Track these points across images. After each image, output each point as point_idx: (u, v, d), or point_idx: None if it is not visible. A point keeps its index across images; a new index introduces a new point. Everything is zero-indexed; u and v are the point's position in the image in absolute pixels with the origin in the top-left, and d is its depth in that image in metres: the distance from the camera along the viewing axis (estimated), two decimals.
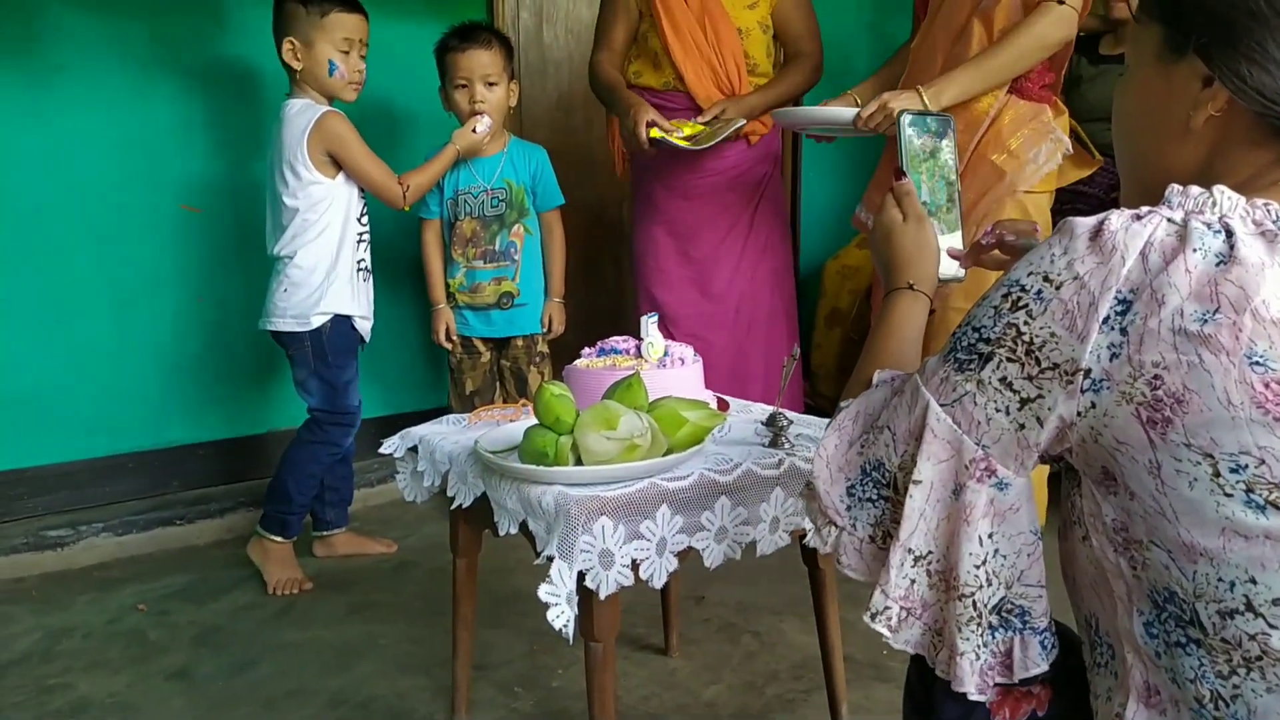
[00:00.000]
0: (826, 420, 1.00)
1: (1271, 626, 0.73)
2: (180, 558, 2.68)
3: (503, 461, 1.45)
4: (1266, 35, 0.79)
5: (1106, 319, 0.75)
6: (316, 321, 2.42)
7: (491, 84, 2.62)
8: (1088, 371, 0.76)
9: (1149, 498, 0.75)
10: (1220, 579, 0.74)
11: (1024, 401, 0.80)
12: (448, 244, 2.76)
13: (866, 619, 0.88)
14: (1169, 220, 0.76)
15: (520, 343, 2.79)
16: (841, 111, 2.27)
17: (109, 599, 2.42)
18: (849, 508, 0.92)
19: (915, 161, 1.21)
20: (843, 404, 0.97)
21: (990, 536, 0.83)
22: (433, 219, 2.76)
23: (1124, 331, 0.75)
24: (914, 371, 0.90)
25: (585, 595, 1.34)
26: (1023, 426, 0.80)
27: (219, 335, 2.91)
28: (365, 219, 2.51)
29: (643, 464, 1.37)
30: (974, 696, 0.85)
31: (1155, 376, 0.73)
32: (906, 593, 0.87)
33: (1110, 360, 0.75)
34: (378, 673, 2.04)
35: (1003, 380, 0.80)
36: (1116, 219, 0.77)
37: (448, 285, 2.77)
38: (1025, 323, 0.79)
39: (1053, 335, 0.78)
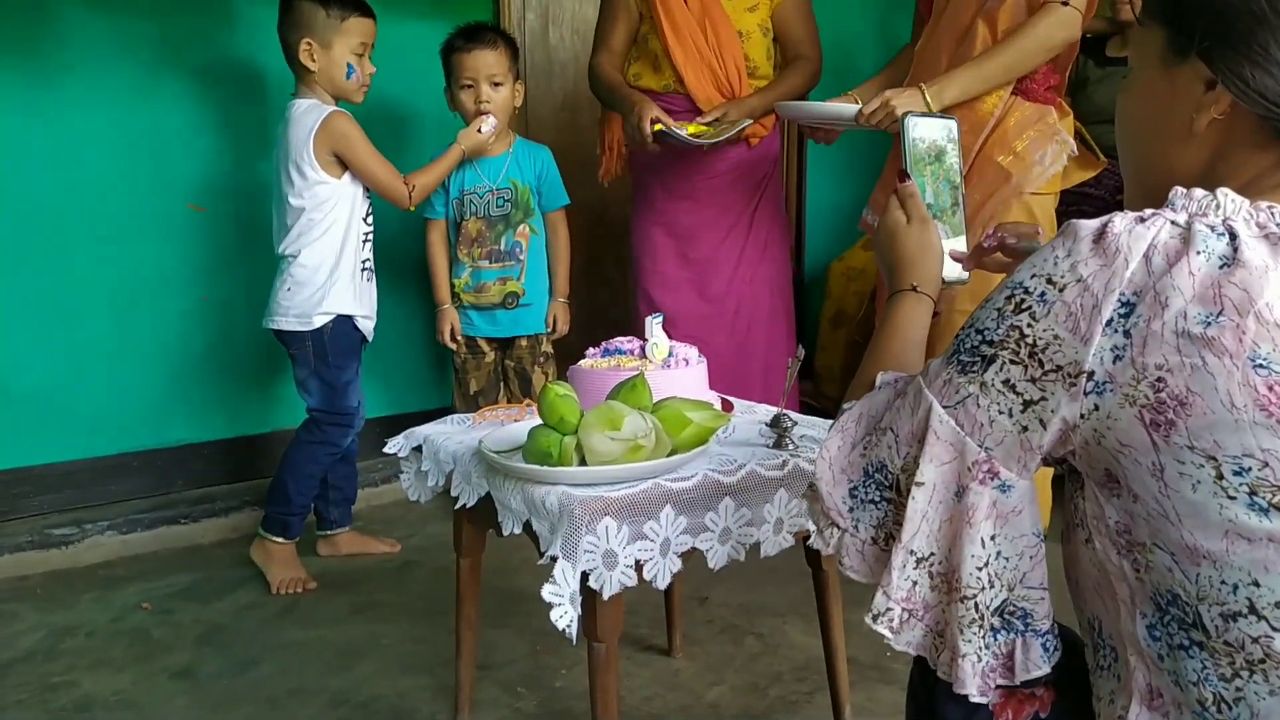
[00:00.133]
0: (830, 421, 1.00)
1: (1274, 629, 0.73)
2: (184, 557, 2.68)
3: (507, 461, 1.45)
4: (1269, 38, 0.79)
5: (1110, 321, 0.75)
6: (319, 321, 2.42)
7: (497, 84, 2.62)
8: (1091, 374, 0.76)
9: (1152, 500, 0.75)
10: (1223, 582, 0.73)
11: (1027, 404, 0.79)
12: (453, 244, 2.76)
13: (868, 620, 0.87)
14: (1172, 223, 0.76)
15: (525, 343, 2.80)
16: (844, 107, 2.27)
17: (113, 597, 2.43)
18: (851, 509, 0.92)
19: (919, 164, 1.21)
20: (846, 405, 0.97)
21: (993, 538, 0.83)
22: (438, 219, 2.76)
23: (1127, 334, 0.75)
24: (917, 373, 0.90)
25: (589, 595, 1.34)
26: (1025, 429, 0.80)
27: (224, 335, 2.92)
28: (370, 219, 2.51)
29: (647, 464, 1.37)
30: (976, 698, 0.85)
31: (1158, 379, 0.73)
32: (908, 594, 0.86)
33: (1113, 362, 0.75)
34: (381, 672, 2.04)
35: (1006, 382, 0.80)
36: (1120, 221, 0.77)
37: (453, 285, 2.77)
38: (1028, 325, 0.79)
39: (1056, 337, 0.78)
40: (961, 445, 0.83)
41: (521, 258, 2.73)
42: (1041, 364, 0.78)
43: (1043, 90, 2.25)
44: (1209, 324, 0.72)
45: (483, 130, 2.59)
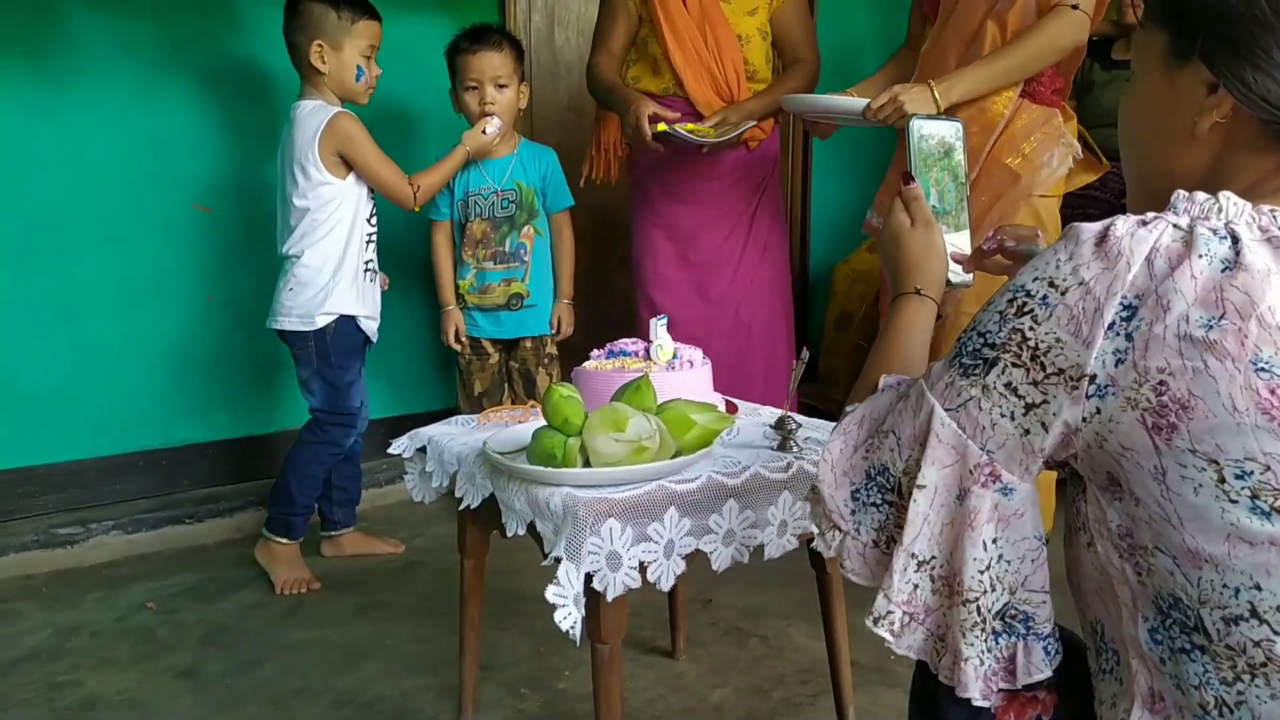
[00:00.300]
0: (834, 424, 1.00)
1: (1276, 633, 0.73)
2: (189, 556, 2.69)
3: (511, 463, 1.45)
4: (1271, 42, 0.79)
5: (1112, 325, 0.75)
6: (321, 321, 2.43)
7: (502, 86, 2.62)
8: (1093, 377, 0.76)
9: (1154, 503, 0.75)
10: (1225, 585, 0.73)
11: (1029, 407, 0.79)
12: (458, 245, 2.76)
13: (869, 623, 0.87)
14: (1174, 226, 0.76)
15: (529, 344, 2.80)
16: (852, 101, 2.28)
17: (118, 597, 2.43)
18: (853, 512, 0.92)
19: (924, 166, 1.21)
20: (848, 408, 0.97)
21: (994, 542, 0.83)
22: (443, 220, 2.76)
23: (1129, 337, 0.75)
24: (919, 376, 0.90)
25: (592, 597, 1.34)
26: (1027, 432, 0.80)
27: (228, 335, 2.92)
28: (374, 220, 2.52)
29: (651, 466, 1.37)
30: (978, 702, 0.84)
31: (1160, 382, 0.73)
32: (909, 598, 0.86)
33: (1115, 366, 0.75)
34: (384, 673, 2.05)
35: (1008, 385, 0.80)
36: (1122, 225, 0.77)
37: (457, 286, 2.77)
38: (1030, 328, 0.79)
39: (1058, 341, 0.77)
40: (963, 448, 0.83)
41: (526, 259, 2.74)
42: (1043, 367, 0.78)
43: (1048, 93, 2.26)
44: (1211, 327, 0.72)
45: (487, 132, 2.59)
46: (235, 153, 2.87)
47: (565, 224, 2.79)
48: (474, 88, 2.62)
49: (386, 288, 2.63)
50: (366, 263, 2.50)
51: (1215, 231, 0.75)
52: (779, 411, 1.67)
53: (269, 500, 2.53)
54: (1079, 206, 2.78)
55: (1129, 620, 0.80)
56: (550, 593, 1.28)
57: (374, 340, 2.55)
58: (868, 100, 2.21)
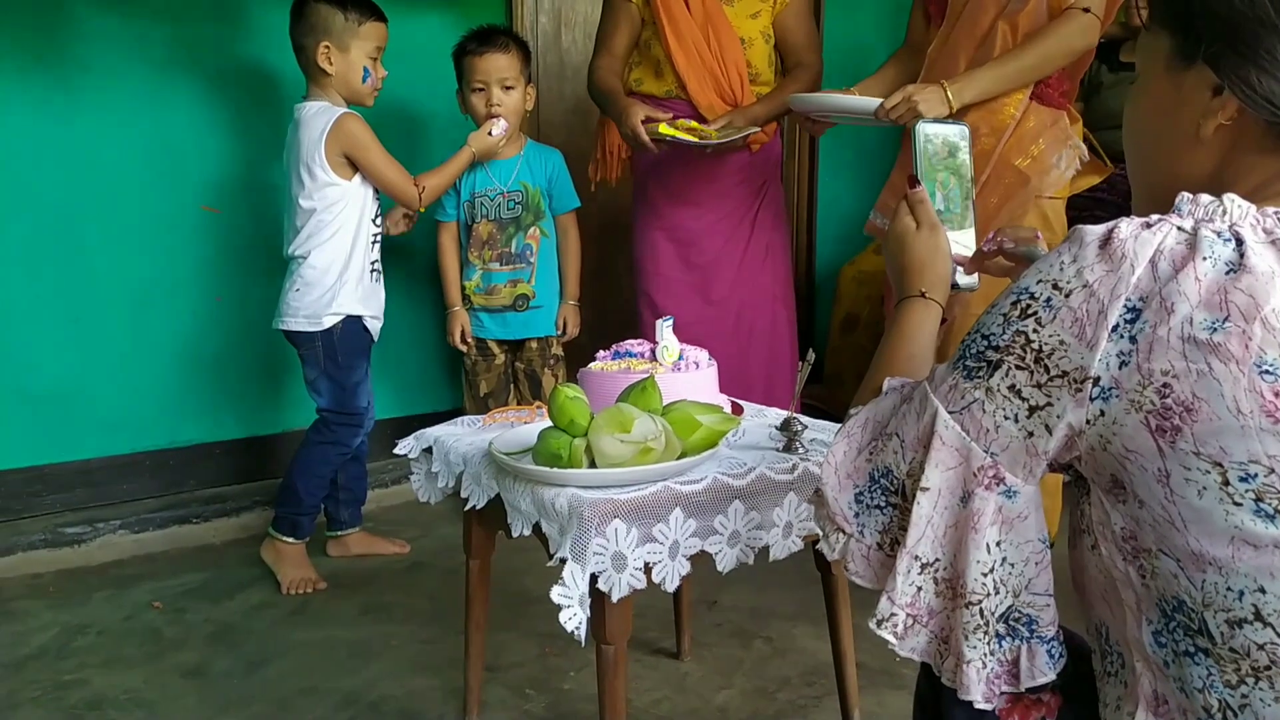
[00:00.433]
0: (839, 426, 1.00)
1: None
2: (196, 556, 2.69)
3: (517, 463, 1.45)
4: (1276, 43, 0.78)
5: (1116, 327, 0.75)
6: (328, 322, 2.43)
7: (508, 88, 2.63)
8: (1096, 379, 0.76)
9: (1158, 506, 0.75)
10: (1229, 588, 0.73)
11: (1033, 409, 0.79)
12: (464, 246, 2.77)
13: (872, 626, 0.87)
14: (1179, 228, 0.76)
15: (535, 345, 2.80)
16: (864, 101, 2.27)
17: (125, 596, 2.44)
18: (857, 514, 0.91)
19: (930, 169, 1.21)
20: (852, 411, 0.97)
21: (998, 544, 0.83)
22: (449, 222, 2.77)
23: (1133, 339, 0.75)
24: (924, 379, 0.89)
25: (597, 598, 1.34)
26: (1031, 434, 0.80)
27: (236, 335, 2.93)
28: (379, 220, 2.53)
29: (656, 467, 1.37)
30: (980, 705, 0.84)
31: (1164, 385, 0.73)
32: (913, 600, 0.86)
33: (1119, 368, 0.75)
34: (390, 673, 2.05)
35: (1011, 388, 0.80)
36: (1126, 227, 0.77)
37: (463, 287, 2.78)
38: (1034, 330, 0.79)
39: (1062, 343, 0.77)
40: (967, 451, 0.83)
41: (532, 260, 2.74)
42: (1047, 369, 0.78)
43: (1056, 95, 2.26)
44: (1215, 330, 0.72)
45: (493, 133, 2.60)
46: (244, 154, 2.88)
47: (571, 225, 2.79)
48: (480, 89, 2.63)
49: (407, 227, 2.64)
50: (372, 263, 2.51)
51: (1219, 234, 0.75)
52: (784, 413, 1.67)
53: (276, 500, 2.54)
54: (1087, 209, 2.78)
55: (1133, 623, 0.80)
56: (555, 593, 1.28)
57: (376, 338, 2.55)
58: (880, 100, 2.21)
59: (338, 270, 2.43)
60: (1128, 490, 0.77)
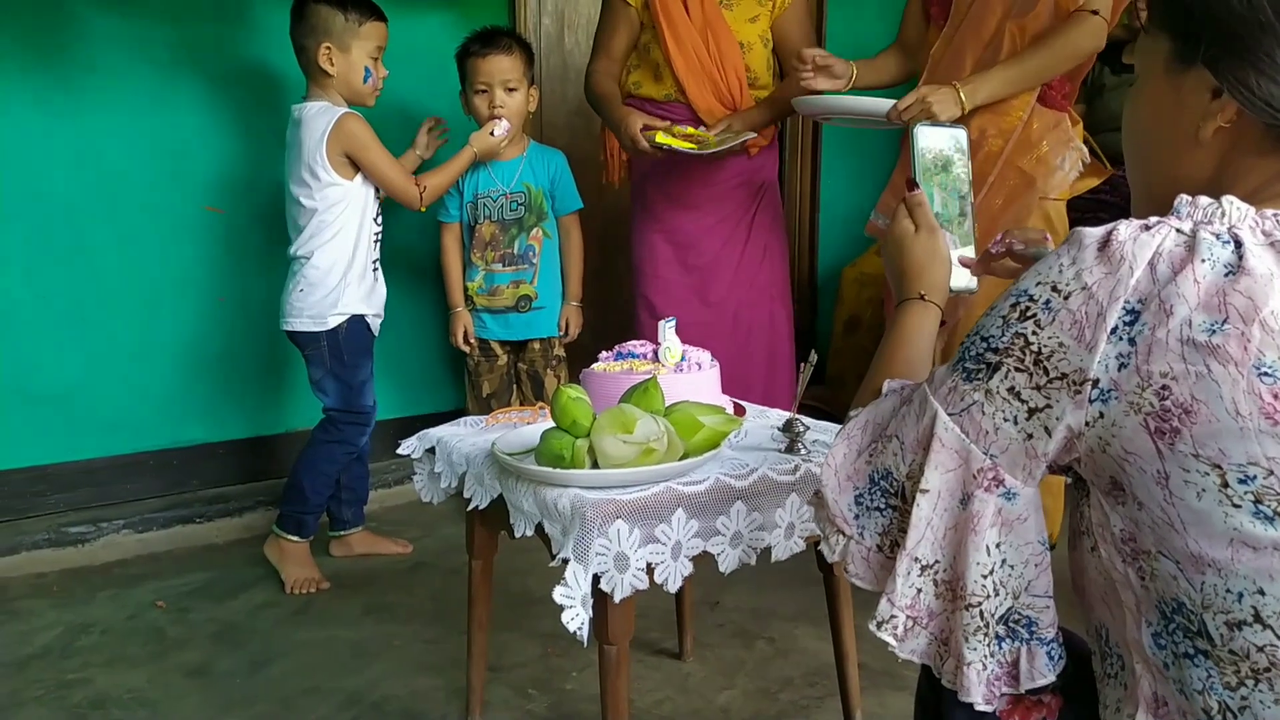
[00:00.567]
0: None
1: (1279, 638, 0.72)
2: (199, 556, 2.70)
3: (519, 464, 1.45)
4: (1275, 46, 0.78)
5: (1114, 329, 0.75)
6: (333, 321, 2.44)
7: (511, 89, 2.63)
8: (1095, 381, 0.76)
9: (1157, 508, 0.75)
10: (1228, 590, 0.73)
11: (1032, 411, 0.80)
12: (467, 247, 2.77)
13: (872, 628, 0.88)
14: (1177, 230, 0.76)
15: (537, 346, 2.81)
16: (875, 103, 2.27)
17: (129, 595, 2.45)
18: (857, 516, 0.92)
19: (928, 173, 1.21)
20: (852, 413, 0.97)
21: (998, 546, 0.83)
22: (452, 223, 2.77)
23: (1132, 342, 0.75)
24: (923, 381, 0.90)
25: (600, 598, 1.34)
26: (1030, 436, 0.80)
27: (240, 335, 2.94)
28: (380, 219, 2.53)
29: (659, 468, 1.37)
30: (981, 707, 0.84)
31: (1163, 387, 0.73)
32: (913, 602, 0.86)
33: (1118, 370, 0.75)
34: (393, 673, 2.05)
35: (1011, 390, 0.80)
36: (1125, 229, 0.77)
37: (466, 288, 2.78)
38: (1033, 332, 0.79)
39: (1061, 345, 0.78)
40: (966, 452, 0.83)
41: (534, 261, 2.74)
42: (1046, 371, 0.78)
43: (1058, 98, 2.27)
44: (1214, 332, 0.72)
45: (495, 134, 2.60)
46: (247, 154, 2.89)
47: (574, 226, 2.79)
48: (483, 91, 2.63)
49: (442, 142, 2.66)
50: (374, 261, 2.51)
51: (1218, 236, 0.75)
52: (787, 414, 1.67)
53: (281, 498, 2.54)
54: (1090, 210, 2.78)
55: (1132, 625, 0.80)
56: (558, 594, 1.28)
57: (376, 334, 2.56)
58: (892, 102, 2.22)
59: (341, 270, 2.43)
60: (1127, 492, 0.77)
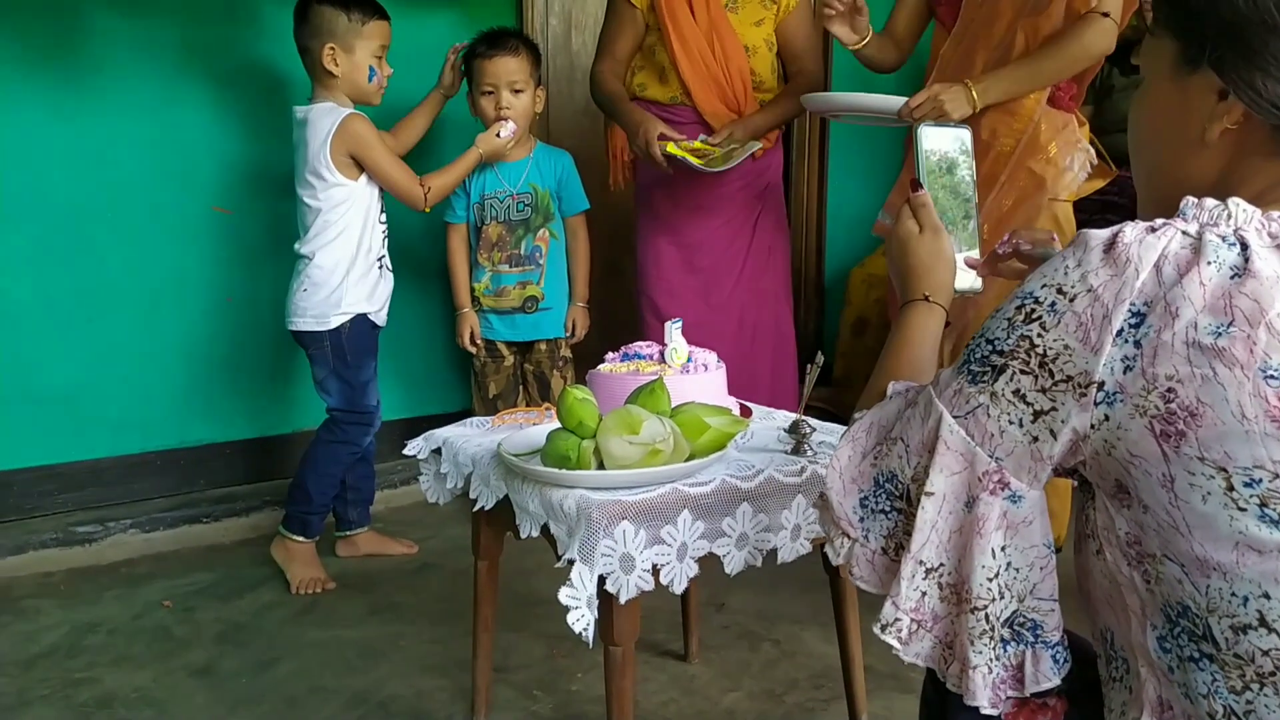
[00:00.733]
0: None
1: None
2: (206, 555, 2.70)
3: (525, 464, 1.45)
4: None
5: (1120, 331, 0.75)
6: (336, 321, 2.44)
7: (518, 90, 2.63)
8: (1101, 384, 0.76)
9: (1162, 511, 0.75)
10: (1233, 594, 0.73)
11: (1037, 414, 0.79)
12: (473, 248, 2.77)
13: (877, 631, 0.87)
14: (1183, 233, 0.76)
15: (544, 347, 2.81)
16: (886, 100, 2.27)
17: (135, 595, 2.45)
18: (861, 519, 0.91)
19: (933, 173, 1.21)
20: (857, 415, 0.97)
21: (1003, 549, 0.83)
22: (458, 223, 2.77)
23: (1137, 344, 0.74)
24: (928, 383, 0.89)
25: (605, 599, 1.35)
26: (1036, 439, 0.80)
27: (247, 335, 2.94)
28: (384, 216, 2.53)
29: (665, 469, 1.37)
30: (986, 710, 0.84)
31: (1169, 389, 0.73)
32: (917, 605, 0.86)
33: (1123, 373, 0.75)
34: (398, 673, 2.05)
35: (1016, 392, 0.80)
36: (1130, 231, 0.77)
37: (473, 289, 2.78)
38: (1039, 335, 0.79)
39: (1066, 348, 0.77)
40: (972, 455, 0.83)
41: (541, 262, 2.74)
42: (1052, 374, 0.78)
43: (1066, 99, 2.27)
44: (1220, 335, 0.72)
45: (501, 135, 2.60)
46: (255, 155, 2.89)
47: (580, 227, 2.79)
48: (490, 92, 2.63)
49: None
50: (379, 258, 2.51)
51: (1224, 238, 0.75)
52: (793, 415, 1.67)
53: (287, 499, 2.55)
54: (1097, 212, 2.77)
55: (1138, 628, 0.79)
56: (563, 595, 1.28)
57: (383, 326, 2.56)
58: (903, 99, 2.21)
59: (344, 270, 2.43)
60: (1132, 495, 0.77)
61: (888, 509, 0.90)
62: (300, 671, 2.07)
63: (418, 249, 3.03)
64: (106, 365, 2.77)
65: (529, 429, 1.66)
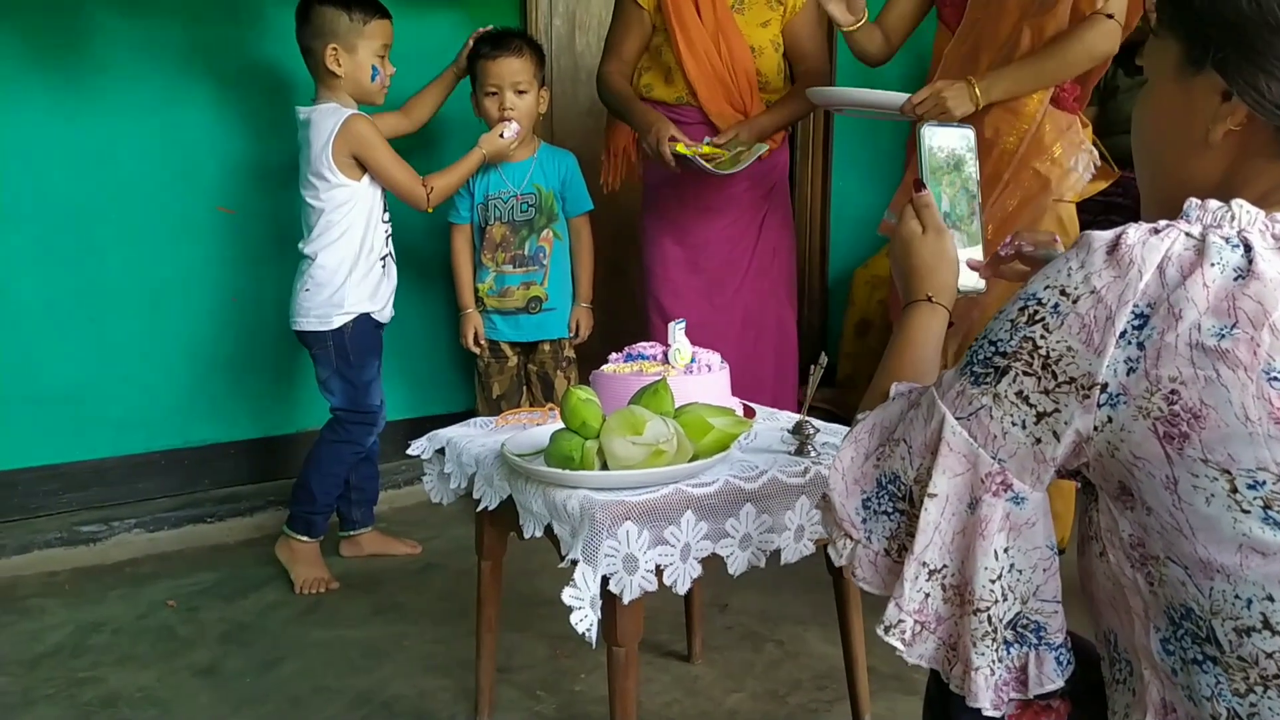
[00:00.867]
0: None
1: None
2: (209, 555, 2.71)
3: (529, 465, 1.46)
4: None
5: (1123, 333, 0.75)
6: (339, 321, 2.45)
7: (521, 91, 2.63)
8: (1104, 386, 0.76)
9: (1166, 513, 0.75)
10: (1237, 596, 0.73)
11: (1040, 415, 0.79)
12: (477, 249, 2.78)
13: (880, 632, 0.87)
14: (1187, 234, 0.76)
15: (547, 347, 2.81)
16: (889, 96, 2.27)
17: (139, 595, 2.46)
18: (864, 520, 0.91)
19: (936, 173, 1.21)
20: (860, 416, 0.97)
21: (1006, 551, 0.83)
22: (463, 224, 2.78)
23: (1141, 346, 0.74)
24: (931, 384, 0.89)
25: (609, 600, 1.35)
26: (1039, 440, 0.80)
27: (251, 335, 2.95)
28: (387, 214, 2.54)
29: (668, 469, 1.37)
30: (989, 712, 0.84)
31: (1172, 391, 0.73)
32: (920, 606, 0.86)
33: (1127, 375, 0.75)
34: (402, 673, 2.06)
35: (1019, 394, 0.80)
36: (1134, 233, 0.77)
37: (476, 289, 2.79)
38: (1042, 336, 0.79)
39: (1069, 349, 0.77)
40: (974, 457, 0.83)
41: (545, 263, 2.75)
42: (1055, 375, 0.78)
43: (1070, 100, 2.27)
44: (1223, 336, 0.72)
45: (504, 135, 2.60)
46: (258, 155, 2.90)
47: (584, 228, 2.80)
48: (494, 93, 2.63)
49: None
50: (383, 257, 2.52)
51: (1228, 240, 0.75)
52: (797, 416, 1.67)
53: (290, 499, 2.55)
54: (1101, 213, 2.77)
55: (1141, 630, 0.79)
56: (567, 595, 1.28)
57: (387, 322, 2.56)
58: (907, 95, 2.21)
59: (347, 270, 2.44)
60: (1135, 497, 0.77)
61: (890, 510, 0.90)
62: (304, 671, 2.07)
63: (421, 249, 3.03)
64: (110, 365, 2.77)
65: (532, 429, 1.66)
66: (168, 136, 2.78)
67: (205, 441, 2.94)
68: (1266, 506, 0.71)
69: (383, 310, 2.54)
